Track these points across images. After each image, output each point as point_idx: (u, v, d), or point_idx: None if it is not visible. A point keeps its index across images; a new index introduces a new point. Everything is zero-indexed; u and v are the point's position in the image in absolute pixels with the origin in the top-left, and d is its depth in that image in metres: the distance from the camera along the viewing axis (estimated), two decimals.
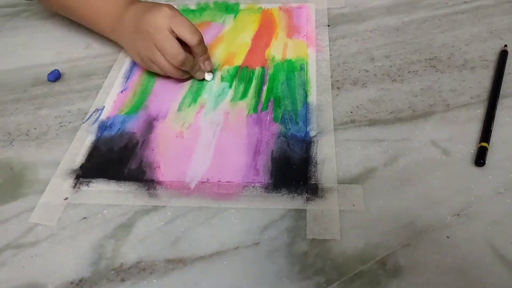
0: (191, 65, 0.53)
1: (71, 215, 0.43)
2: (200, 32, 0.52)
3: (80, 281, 0.38)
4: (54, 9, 0.66)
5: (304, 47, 0.60)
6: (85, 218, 0.42)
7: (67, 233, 0.41)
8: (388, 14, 0.64)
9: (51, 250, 0.40)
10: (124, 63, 0.60)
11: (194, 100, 0.54)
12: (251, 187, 0.44)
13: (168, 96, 0.54)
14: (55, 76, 0.58)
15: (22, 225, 0.42)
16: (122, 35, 0.57)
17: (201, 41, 0.53)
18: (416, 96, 0.51)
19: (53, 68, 0.59)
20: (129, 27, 0.55)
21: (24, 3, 0.74)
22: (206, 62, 0.55)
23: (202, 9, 0.69)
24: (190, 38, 0.51)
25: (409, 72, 0.54)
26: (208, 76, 0.56)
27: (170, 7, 0.52)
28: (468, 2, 0.65)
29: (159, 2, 0.55)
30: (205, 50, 0.54)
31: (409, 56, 0.56)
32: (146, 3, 0.56)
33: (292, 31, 0.63)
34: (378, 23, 0.63)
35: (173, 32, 0.51)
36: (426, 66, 0.55)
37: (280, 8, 0.67)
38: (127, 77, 0.58)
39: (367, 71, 0.55)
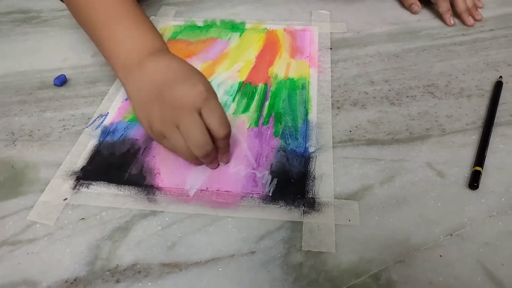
0: (212, 158, 0.45)
1: (70, 215, 0.43)
2: (229, 125, 0.44)
3: (75, 280, 0.38)
4: (75, 18, 0.56)
5: (307, 67, 0.61)
6: (83, 219, 0.43)
7: (65, 232, 0.42)
8: (389, 41, 0.66)
9: (48, 249, 0.40)
10: None
11: None
12: (249, 198, 0.44)
13: None
14: (61, 81, 0.59)
15: (20, 223, 0.42)
16: (135, 89, 0.47)
17: (228, 135, 0.44)
18: (413, 119, 0.53)
19: (60, 73, 0.60)
20: (148, 87, 0.45)
21: (35, 10, 0.75)
22: (225, 155, 0.47)
23: (208, 26, 0.71)
24: (218, 130, 0.43)
25: (407, 96, 0.56)
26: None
27: (206, 83, 0.44)
28: (466, 35, 0.68)
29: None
30: (227, 145, 0.46)
31: (407, 82, 0.58)
32: (178, 65, 0.47)
33: (295, 51, 0.65)
34: (379, 49, 0.65)
35: (202, 116, 0.42)
36: (424, 92, 0.57)
37: (284, 30, 0.70)
38: None
39: (367, 93, 0.57)
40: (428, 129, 0.51)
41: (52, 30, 0.71)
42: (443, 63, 0.62)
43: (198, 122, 0.42)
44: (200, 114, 0.42)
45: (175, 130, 0.43)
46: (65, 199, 0.45)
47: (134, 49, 0.48)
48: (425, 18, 0.72)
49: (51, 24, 0.72)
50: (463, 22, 0.70)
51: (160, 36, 0.51)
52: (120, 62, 0.49)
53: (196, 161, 0.46)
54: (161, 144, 0.48)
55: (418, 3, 0.72)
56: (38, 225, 0.42)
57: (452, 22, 0.70)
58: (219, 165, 0.47)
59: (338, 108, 0.55)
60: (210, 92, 0.44)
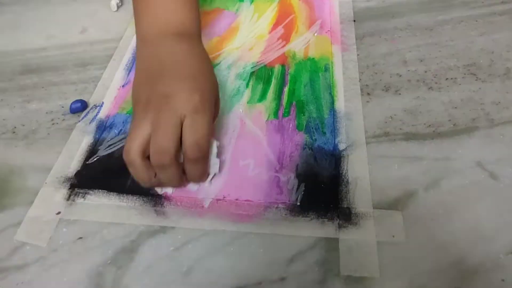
0: (168, 175, 0.36)
1: (65, 233, 0.37)
2: (205, 152, 0.36)
3: None
4: None
5: (328, 44, 0.54)
6: (81, 238, 0.36)
7: (60, 256, 0.35)
8: (420, 11, 0.58)
9: (41, 277, 0.34)
10: (125, 52, 0.53)
11: None
12: (274, 208, 0.38)
13: None
14: (78, 109, 0.46)
15: (7, 244, 0.36)
16: (141, 62, 0.42)
17: (200, 161, 0.36)
18: (456, 108, 0.46)
19: (45, 54, 0.52)
20: (152, 66, 0.40)
21: None
22: (192, 182, 0.39)
23: None
24: (190, 149, 0.35)
25: (446, 79, 0.49)
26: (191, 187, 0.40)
27: (206, 93, 0.38)
28: (506, 2, 0.60)
29: None
30: (199, 174, 0.38)
31: (445, 61, 0.51)
32: (192, 58, 0.41)
33: (314, 25, 0.57)
34: (409, 21, 0.57)
35: (182, 125, 0.35)
36: (465, 74, 0.49)
37: None
38: (129, 69, 0.51)
39: (400, 75, 0.49)
40: (474, 119, 0.45)
41: (33, 1, 0.61)
42: (483, 38, 0.54)
43: (172, 128, 0.35)
44: (181, 124, 0.35)
45: (147, 123, 0.35)
46: (58, 212, 0.38)
47: (158, 23, 0.43)
48: None
49: None
50: None
51: (195, 21, 0.45)
52: (141, 32, 0.44)
53: (144, 174, 0.36)
54: (132, 118, 0.38)
55: None
56: (28, 247, 0.36)
57: None
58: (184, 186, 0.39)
59: (369, 94, 0.48)
60: (204, 107, 0.36)
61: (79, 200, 0.39)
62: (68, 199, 0.39)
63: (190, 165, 0.36)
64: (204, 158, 0.37)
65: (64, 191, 0.40)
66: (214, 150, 0.39)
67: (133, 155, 0.35)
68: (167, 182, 0.37)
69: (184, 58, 0.40)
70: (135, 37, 0.54)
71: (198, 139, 0.35)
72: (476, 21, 0.57)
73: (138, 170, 0.35)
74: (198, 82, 0.38)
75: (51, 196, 0.39)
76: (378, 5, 0.60)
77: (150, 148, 0.35)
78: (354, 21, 0.57)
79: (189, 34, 0.43)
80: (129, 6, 0.60)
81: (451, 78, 0.49)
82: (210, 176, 0.39)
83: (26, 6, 0.61)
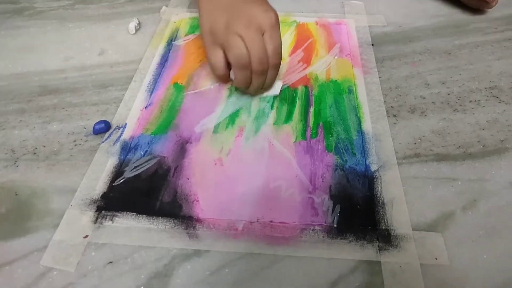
0: (262, 80, 0.46)
1: (94, 258, 0.35)
2: (281, 59, 0.45)
3: None
4: None
5: (350, 67, 0.54)
6: (111, 262, 0.35)
7: (90, 282, 0.34)
8: (436, 36, 0.59)
9: None
10: (146, 73, 0.52)
11: (232, 121, 0.47)
12: (310, 231, 0.37)
13: (200, 114, 0.47)
14: (101, 131, 0.45)
15: (32, 269, 0.34)
16: None
17: (279, 65, 0.46)
18: (483, 129, 0.46)
19: (64, 76, 0.52)
20: None
21: (26, 0, 0.66)
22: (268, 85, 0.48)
23: None
24: (273, 56, 0.44)
25: (470, 101, 0.49)
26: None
27: (276, 14, 0.45)
28: None
29: None
30: (274, 77, 0.47)
31: (467, 84, 0.51)
32: None
33: (334, 48, 0.57)
34: (427, 45, 0.57)
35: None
36: (487, 96, 0.50)
37: (316, 23, 0.62)
38: (151, 90, 0.50)
39: (424, 97, 0.50)
40: (502, 140, 0.45)
41: (49, 24, 0.61)
42: (501, 62, 0.55)
43: (262, 41, 0.43)
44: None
45: (239, 38, 0.43)
46: (86, 236, 0.36)
47: None
48: (469, 8, 0.64)
49: (48, 17, 0.62)
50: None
51: None
52: None
53: (243, 72, 0.45)
54: (208, 53, 0.47)
55: None
56: (55, 272, 0.34)
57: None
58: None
59: (395, 116, 0.47)
60: (277, 23, 0.45)
61: (107, 223, 0.37)
62: (95, 222, 0.37)
63: (270, 71, 0.45)
64: (279, 65, 0.46)
65: (90, 214, 0.38)
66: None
67: (223, 70, 0.46)
68: (257, 86, 0.46)
69: None
70: (155, 58, 0.54)
71: (278, 47, 0.44)
72: (492, 45, 0.58)
73: (239, 79, 0.46)
74: (269, 6, 0.46)
75: (78, 219, 0.38)
76: (395, 30, 0.60)
77: (252, 60, 0.43)
78: (373, 45, 0.57)
79: None
80: (147, 29, 0.60)
81: (475, 101, 0.49)
82: (278, 89, 0.49)
83: (43, 28, 0.60)
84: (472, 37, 0.59)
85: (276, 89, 0.49)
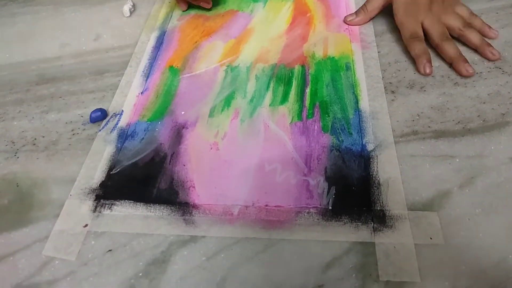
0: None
1: (93, 246, 0.36)
2: None
3: None
4: None
5: (347, 43, 0.53)
6: (110, 250, 0.36)
7: (90, 270, 0.35)
8: None
9: None
10: (142, 58, 0.52)
11: (227, 103, 0.46)
12: (305, 213, 0.37)
13: (196, 98, 0.47)
14: (98, 119, 0.46)
15: (35, 259, 0.35)
16: None
17: None
18: (484, 103, 0.45)
19: (60, 63, 0.52)
20: None
21: None
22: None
23: None
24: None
25: None
26: None
27: None
28: None
29: None
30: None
31: (469, 55, 0.50)
32: None
33: (331, 23, 0.56)
34: None
35: None
36: (490, 68, 0.48)
37: None
38: (147, 75, 0.50)
39: None
40: (503, 114, 0.44)
41: (45, 10, 0.61)
42: (507, 30, 0.53)
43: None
44: None
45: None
46: (86, 225, 0.37)
47: None
48: None
49: (42, 2, 0.62)
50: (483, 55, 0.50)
51: None
52: None
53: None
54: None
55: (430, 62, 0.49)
56: (57, 262, 0.35)
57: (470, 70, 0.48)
58: None
59: (393, 92, 0.46)
60: None
61: (106, 211, 0.38)
62: (94, 211, 0.38)
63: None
64: None
65: (90, 203, 0.39)
66: None
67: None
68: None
69: None
70: (150, 41, 0.53)
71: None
72: (497, 13, 0.55)
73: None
74: None
75: (77, 209, 0.38)
76: None
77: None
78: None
79: None
80: (141, 11, 0.59)
81: (477, 73, 0.48)
82: None
83: (38, 14, 0.60)
84: (476, 5, 0.57)
85: None
